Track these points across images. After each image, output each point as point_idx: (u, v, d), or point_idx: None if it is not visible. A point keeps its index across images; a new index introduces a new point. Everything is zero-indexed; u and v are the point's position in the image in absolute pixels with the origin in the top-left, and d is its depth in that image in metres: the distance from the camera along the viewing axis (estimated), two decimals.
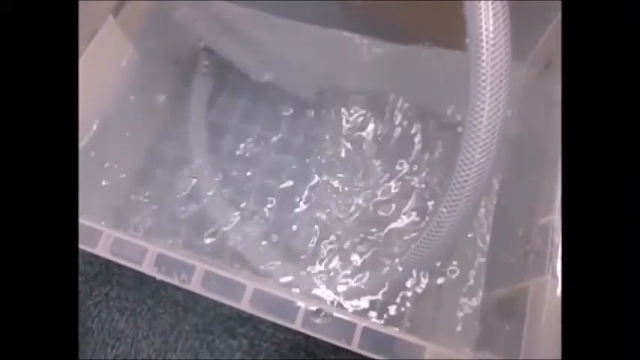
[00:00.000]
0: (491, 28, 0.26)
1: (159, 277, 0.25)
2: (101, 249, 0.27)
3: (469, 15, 0.26)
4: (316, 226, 0.42)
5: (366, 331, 0.23)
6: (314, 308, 0.23)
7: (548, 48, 0.34)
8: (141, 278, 0.41)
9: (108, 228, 0.27)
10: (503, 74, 0.26)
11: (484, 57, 0.26)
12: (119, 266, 0.41)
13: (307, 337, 0.24)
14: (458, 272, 0.38)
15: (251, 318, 0.39)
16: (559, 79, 0.29)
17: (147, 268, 0.26)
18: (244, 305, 0.25)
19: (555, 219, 0.24)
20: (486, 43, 0.26)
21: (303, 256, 0.41)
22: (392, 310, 0.38)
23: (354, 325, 0.23)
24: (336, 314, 0.23)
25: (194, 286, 0.25)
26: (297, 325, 0.24)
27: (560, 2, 0.32)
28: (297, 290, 0.37)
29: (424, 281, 0.39)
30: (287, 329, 0.36)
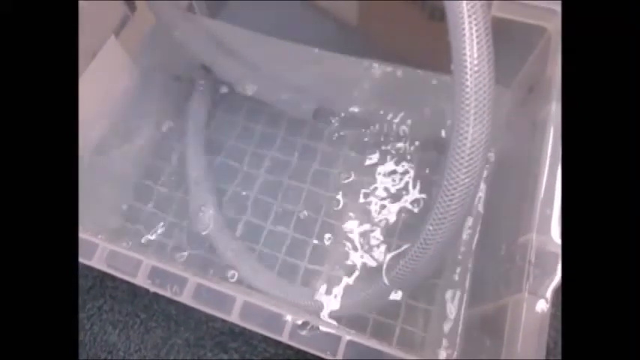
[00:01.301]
0: (475, 55, 0.27)
1: (152, 289, 0.26)
2: (97, 261, 0.28)
3: (454, 42, 0.27)
4: (309, 243, 0.43)
5: (350, 343, 0.23)
6: (301, 321, 0.24)
7: (531, 74, 0.36)
8: (134, 292, 0.42)
9: (104, 241, 0.28)
10: (487, 98, 0.27)
11: (468, 82, 0.27)
12: (113, 279, 0.42)
13: (298, 351, 0.25)
14: (445, 288, 0.38)
15: (243, 332, 0.40)
16: (541, 103, 0.30)
17: (141, 280, 0.26)
18: (234, 317, 0.25)
19: (533, 237, 0.25)
20: (470, 69, 0.27)
21: (294, 272, 0.42)
22: (380, 326, 0.39)
23: (339, 338, 0.24)
24: (322, 327, 0.24)
25: (185, 298, 0.25)
26: (284, 338, 0.24)
27: (539, 33, 0.34)
28: (287, 304, 0.37)
29: (412, 298, 0.39)
30: (278, 344, 0.37)
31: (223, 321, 0.40)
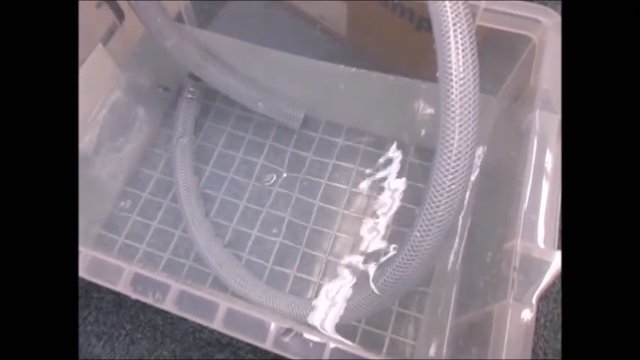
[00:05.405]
0: (460, 62, 0.27)
1: (134, 296, 0.26)
2: (79, 269, 0.27)
3: (439, 50, 0.27)
4: (298, 251, 0.42)
5: (335, 351, 0.23)
6: (284, 328, 0.24)
7: (517, 83, 0.36)
8: (120, 302, 0.41)
9: (85, 248, 0.27)
10: (472, 105, 0.27)
11: (453, 89, 0.27)
12: (98, 290, 0.42)
13: None
14: (432, 296, 0.38)
15: (230, 343, 0.39)
16: (526, 111, 0.31)
17: (122, 287, 0.26)
18: (217, 324, 0.25)
19: (518, 243, 0.25)
20: (455, 76, 0.27)
21: (283, 280, 0.41)
22: (369, 333, 0.39)
23: (323, 346, 0.23)
24: (306, 334, 0.24)
25: (168, 305, 0.25)
26: (268, 345, 0.24)
27: (524, 43, 0.34)
28: (273, 312, 0.37)
29: (401, 306, 0.39)
30: (266, 354, 0.36)
31: (210, 332, 0.39)
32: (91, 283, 0.27)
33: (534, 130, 0.29)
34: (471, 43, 0.27)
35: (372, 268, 0.41)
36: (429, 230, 0.29)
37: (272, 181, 0.45)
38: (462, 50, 0.27)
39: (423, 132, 0.45)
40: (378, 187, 0.45)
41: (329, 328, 0.35)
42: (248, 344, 0.25)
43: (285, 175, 0.46)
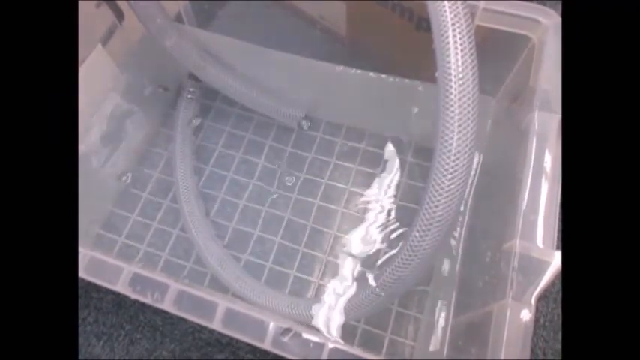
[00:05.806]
0: (459, 62, 0.27)
1: (133, 296, 0.26)
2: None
3: (438, 50, 0.27)
4: (297, 251, 0.42)
5: (334, 351, 0.23)
6: (283, 327, 0.24)
7: (516, 83, 0.36)
8: (120, 302, 0.41)
9: (85, 248, 0.27)
10: (471, 105, 0.27)
11: (452, 89, 0.27)
12: (98, 290, 0.42)
13: None
14: (432, 296, 0.38)
15: (230, 343, 0.39)
16: (525, 111, 0.31)
17: (121, 287, 0.26)
18: (216, 324, 0.25)
19: (517, 243, 0.25)
20: (455, 76, 0.27)
21: (283, 280, 0.41)
22: (369, 333, 0.39)
23: (322, 345, 0.23)
24: (304, 334, 0.24)
25: (167, 304, 0.25)
26: (266, 344, 0.24)
27: (523, 43, 0.34)
28: (273, 312, 0.37)
29: (401, 305, 0.39)
30: (265, 354, 0.36)
31: (210, 331, 0.39)
32: (90, 283, 0.27)
33: (533, 130, 0.29)
34: (470, 43, 0.27)
35: (372, 268, 0.41)
36: (429, 230, 0.29)
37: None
38: (461, 50, 0.27)
39: (423, 132, 0.45)
40: (378, 186, 0.45)
41: (328, 327, 0.35)
42: (247, 344, 0.25)
43: (283, 174, 0.46)
